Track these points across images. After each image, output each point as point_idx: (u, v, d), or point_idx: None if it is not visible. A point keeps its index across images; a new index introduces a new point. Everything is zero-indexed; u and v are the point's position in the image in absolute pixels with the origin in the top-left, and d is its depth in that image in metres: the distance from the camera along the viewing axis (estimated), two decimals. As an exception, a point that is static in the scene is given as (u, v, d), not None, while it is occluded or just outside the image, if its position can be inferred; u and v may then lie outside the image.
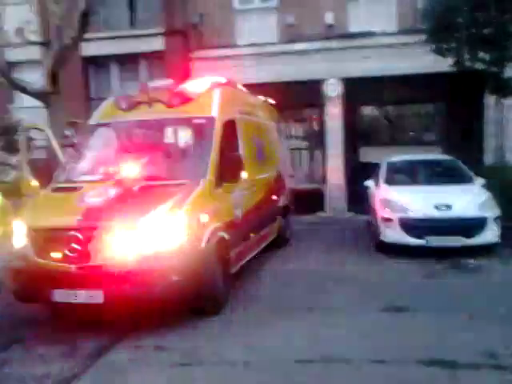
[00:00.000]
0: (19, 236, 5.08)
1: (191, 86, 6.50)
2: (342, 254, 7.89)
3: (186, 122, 6.11)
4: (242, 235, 6.28)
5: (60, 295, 4.73)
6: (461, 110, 12.02)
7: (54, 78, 9.93)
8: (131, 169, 5.56)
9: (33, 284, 4.89)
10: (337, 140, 12.30)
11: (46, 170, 6.10)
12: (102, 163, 5.98)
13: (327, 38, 12.01)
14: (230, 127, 6.41)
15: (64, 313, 5.24)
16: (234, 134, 6.59)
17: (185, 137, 6.13)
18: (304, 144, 13.24)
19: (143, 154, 5.86)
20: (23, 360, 4.38)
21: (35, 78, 11.74)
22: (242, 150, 6.66)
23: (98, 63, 13.78)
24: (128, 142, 6.17)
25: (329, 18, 11.98)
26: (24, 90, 10.54)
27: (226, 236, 5.63)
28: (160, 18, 13.03)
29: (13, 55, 13.57)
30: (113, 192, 5.22)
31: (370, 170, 9.89)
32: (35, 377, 4.03)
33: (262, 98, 8.89)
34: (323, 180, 12.57)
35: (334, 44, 11.98)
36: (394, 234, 7.47)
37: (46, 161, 6.61)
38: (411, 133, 14.43)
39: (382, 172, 8.69)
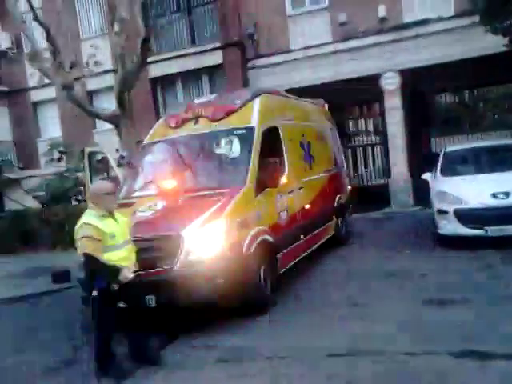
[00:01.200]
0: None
1: (233, 99, 6.85)
2: (401, 249, 7.79)
3: (228, 133, 6.44)
4: (290, 237, 6.49)
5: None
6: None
7: (121, 101, 10.79)
8: (177, 182, 6.01)
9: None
10: (399, 133, 12.06)
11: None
12: (153, 179, 6.49)
13: (381, 32, 11.86)
14: (272, 134, 6.66)
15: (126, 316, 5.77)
16: (277, 141, 6.83)
17: (228, 148, 6.45)
18: (367, 140, 13.13)
19: (190, 168, 6.32)
20: (88, 359, 4.91)
21: (111, 103, 12.83)
22: (286, 155, 6.87)
23: (164, 83, 14.69)
24: (176, 157, 6.63)
25: (381, 11, 11.81)
26: (98, 116, 11.56)
27: (270, 239, 5.89)
28: (218, 32, 13.66)
29: (91, 85, 14.98)
30: (160, 205, 5.70)
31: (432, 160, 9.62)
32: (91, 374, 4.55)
33: (310, 100, 9.03)
34: (388, 175, 12.37)
35: (388, 37, 11.82)
36: (450, 226, 7.27)
37: (108, 181, 7.26)
38: (491, 117, 13.76)
39: (439, 163, 8.44)
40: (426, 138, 13.71)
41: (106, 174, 7.70)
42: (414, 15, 11.63)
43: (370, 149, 13.09)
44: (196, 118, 6.74)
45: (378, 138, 12.86)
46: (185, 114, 6.90)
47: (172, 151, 6.75)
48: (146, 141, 7.19)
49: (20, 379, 4.70)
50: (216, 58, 13.46)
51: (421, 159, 12.20)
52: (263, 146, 6.26)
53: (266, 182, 6.04)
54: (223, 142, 6.48)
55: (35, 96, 17.46)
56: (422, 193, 11.41)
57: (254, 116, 6.48)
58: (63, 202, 13.06)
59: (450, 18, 11.35)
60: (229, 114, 6.58)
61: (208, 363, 4.47)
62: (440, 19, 11.36)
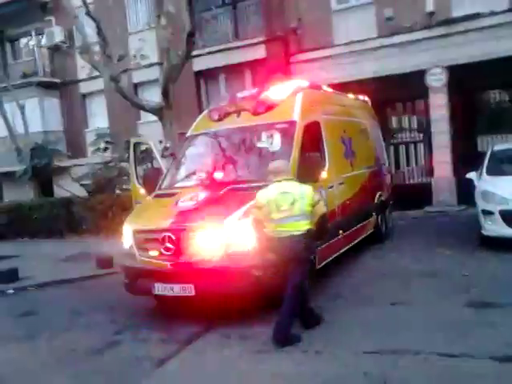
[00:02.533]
0: (127, 237, 5.93)
1: (275, 93, 6.88)
2: (441, 249, 7.65)
3: (270, 127, 6.48)
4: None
5: (159, 288, 5.43)
6: None
7: (166, 94, 11.02)
8: (219, 174, 6.13)
9: (138, 279, 5.69)
10: (443, 131, 11.77)
11: (153, 179, 6.92)
12: (196, 170, 6.64)
13: (428, 27, 11.58)
14: (313, 129, 6.66)
15: (165, 304, 5.95)
16: (318, 136, 6.83)
17: (269, 141, 6.50)
18: (410, 137, 12.88)
19: (231, 160, 6.42)
20: (130, 343, 5.15)
21: (155, 95, 13.12)
22: (327, 150, 6.86)
23: (208, 76, 14.88)
24: (218, 149, 6.74)
25: (429, 5, 11.53)
26: (143, 108, 11.85)
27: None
28: (261, 26, 13.71)
29: (137, 77, 15.35)
30: (202, 196, 5.82)
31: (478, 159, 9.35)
32: (137, 357, 4.74)
33: (352, 96, 8.96)
34: (431, 173, 12.11)
35: (436, 32, 11.53)
36: (495, 228, 7.09)
37: (152, 171, 7.48)
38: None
39: (485, 162, 8.21)
40: (471, 136, 13.32)
41: (149, 164, 7.95)
42: (464, 9, 11.27)
43: (412, 146, 12.83)
44: (238, 112, 6.81)
45: (421, 135, 12.59)
46: (227, 107, 6.99)
47: (214, 144, 6.87)
48: (189, 133, 7.34)
49: (65, 359, 4.91)
50: (259, 52, 13.53)
51: (465, 158, 11.85)
52: (304, 141, 6.27)
53: (306, 176, 6.04)
54: (264, 135, 6.53)
55: (84, 88, 18.09)
56: (465, 192, 11.14)
57: (295, 110, 6.50)
58: (108, 191, 13.50)
59: (503, 12, 10.94)
60: (271, 108, 6.61)
61: (244, 353, 4.56)
62: (492, 13, 10.98)
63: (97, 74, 12.56)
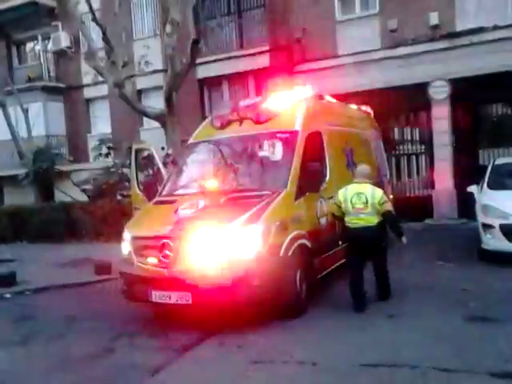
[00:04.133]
0: (126, 243, 5.91)
1: (278, 102, 6.90)
2: (440, 262, 7.63)
3: (272, 136, 6.49)
4: (328, 243, 6.48)
5: (156, 296, 5.41)
6: None
7: (169, 101, 11.05)
8: (219, 182, 6.13)
9: (136, 285, 5.66)
10: (445, 143, 11.78)
11: (153, 186, 6.94)
12: (196, 178, 6.64)
13: (432, 40, 11.62)
14: (315, 139, 6.67)
15: (162, 311, 5.92)
16: (320, 146, 6.83)
17: (271, 150, 6.51)
18: (411, 149, 12.87)
19: (232, 169, 6.42)
20: (126, 350, 5.11)
21: (159, 102, 13.15)
22: (329, 161, 6.86)
23: (211, 84, 14.93)
24: (220, 157, 6.74)
25: (434, 18, 11.58)
26: (146, 114, 11.88)
27: (309, 243, 5.90)
28: (266, 36, 13.77)
29: (140, 84, 15.40)
30: (202, 204, 5.81)
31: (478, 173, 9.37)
32: (133, 364, 4.70)
33: (355, 106, 8.97)
34: (432, 185, 12.09)
35: (439, 45, 11.56)
36: (495, 242, 7.07)
37: (153, 177, 7.50)
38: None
39: (487, 175, 8.20)
40: (473, 149, 13.31)
41: (150, 170, 7.95)
42: (468, 23, 11.32)
43: (414, 158, 12.83)
44: (241, 120, 6.83)
45: (423, 147, 12.60)
46: (230, 115, 7.00)
47: (216, 152, 6.87)
48: (190, 140, 7.35)
49: (61, 365, 4.88)
50: (263, 61, 13.56)
51: (466, 171, 11.85)
52: (306, 151, 6.28)
53: (306, 186, 6.05)
54: (266, 144, 6.55)
55: (88, 93, 18.16)
56: (466, 206, 11.12)
57: (297, 120, 6.52)
58: (108, 197, 13.49)
59: (507, 27, 10.98)
60: (273, 117, 6.64)
61: (240, 363, 4.52)
62: (495, 28, 11.02)
63: (101, 79, 12.62)
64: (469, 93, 11.76)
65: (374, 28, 12.37)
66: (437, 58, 11.46)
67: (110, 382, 4.41)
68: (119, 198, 13.34)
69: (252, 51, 13.65)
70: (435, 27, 11.57)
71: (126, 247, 5.93)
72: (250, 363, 4.48)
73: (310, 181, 6.08)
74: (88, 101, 18.58)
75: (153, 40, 15.77)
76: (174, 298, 5.32)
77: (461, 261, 7.60)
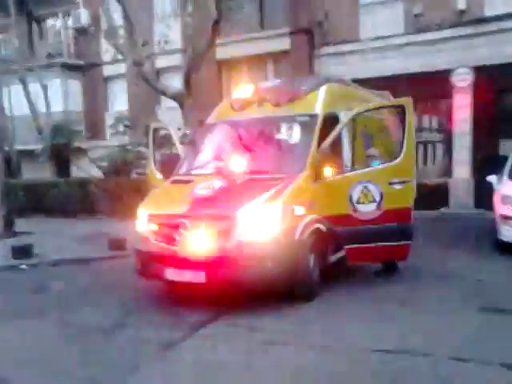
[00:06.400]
0: (141, 221, 5.94)
1: (298, 84, 6.82)
2: (454, 251, 7.54)
3: (291, 119, 6.42)
4: (362, 233, 6.30)
5: (170, 273, 5.46)
6: None
7: (188, 81, 11.02)
8: (236, 163, 6.10)
9: (150, 263, 5.70)
10: (464, 132, 11.60)
11: (170, 165, 6.93)
12: (213, 158, 6.62)
13: (458, 25, 11.36)
14: (334, 123, 6.57)
15: (176, 289, 5.96)
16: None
17: (289, 133, 6.45)
18: (432, 136, 12.68)
19: (250, 150, 6.37)
20: (137, 325, 5.16)
21: (177, 82, 13.12)
22: (348, 146, 6.77)
23: (231, 65, 14.81)
24: (238, 139, 6.67)
25: (461, 2, 11.29)
26: (164, 94, 11.87)
27: (324, 228, 5.85)
28: (287, 18, 13.58)
29: (159, 63, 15.35)
30: (219, 184, 5.80)
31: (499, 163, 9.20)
32: (144, 339, 4.75)
33: (377, 92, 8.81)
34: (449, 174, 11.94)
35: (465, 31, 11.32)
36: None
37: (170, 156, 7.49)
38: None
39: (508, 166, 8.05)
40: (493, 139, 13.08)
41: (167, 149, 7.95)
42: (496, 8, 11.02)
43: (431, 146, 12.66)
44: (260, 102, 6.76)
45: (441, 135, 12.42)
46: (249, 96, 6.93)
47: (234, 133, 6.81)
48: (209, 120, 7.31)
49: (75, 336, 4.96)
50: (284, 44, 13.42)
51: (485, 160, 11.66)
52: (325, 135, 6.20)
53: (324, 170, 5.99)
54: (285, 127, 6.49)
55: (107, 71, 18.19)
56: (483, 195, 10.98)
57: (317, 103, 6.42)
58: (123, 174, 13.57)
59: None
60: (293, 99, 6.54)
61: (251, 343, 4.54)
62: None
63: (120, 57, 12.61)
64: (492, 81, 11.52)
65: (398, 12, 12.15)
66: (461, 45, 11.24)
67: (123, 354, 4.46)
68: (135, 175, 13.40)
69: (272, 33, 13.50)
70: (462, 12, 11.30)
71: (141, 224, 5.95)
72: (262, 344, 4.49)
73: (328, 165, 6.00)
74: (106, 79, 18.61)
75: (173, 19, 15.66)
76: (187, 276, 5.36)
77: (477, 251, 7.53)
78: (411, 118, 6.08)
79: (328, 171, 5.96)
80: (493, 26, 11.08)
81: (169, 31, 14.47)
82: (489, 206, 9.82)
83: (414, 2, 11.78)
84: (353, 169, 6.23)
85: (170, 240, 5.51)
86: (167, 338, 4.70)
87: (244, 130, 6.74)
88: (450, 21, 11.42)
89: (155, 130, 7.75)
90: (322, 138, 6.13)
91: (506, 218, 7.09)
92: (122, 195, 12.44)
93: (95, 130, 18.51)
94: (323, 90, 6.61)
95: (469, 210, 11.23)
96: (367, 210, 5.95)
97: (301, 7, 13.13)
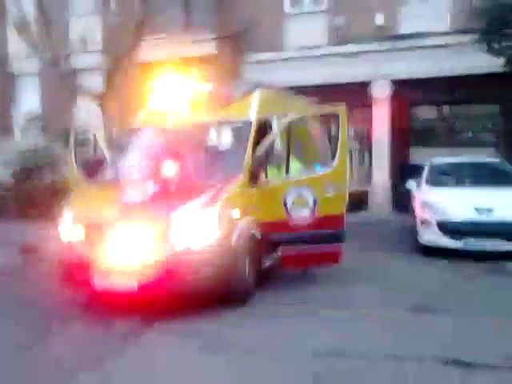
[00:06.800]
0: (66, 227, 5.55)
1: (231, 89, 6.78)
2: (378, 253, 7.82)
3: (225, 124, 6.36)
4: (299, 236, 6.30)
5: (99, 282, 5.13)
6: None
7: (110, 82, 10.56)
8: (168, 168, 5.91)
9: (77, 271, 5.32)
10: (383, 141, 12.23)
11: (94, 169, 6.55)
12: (143, 163, 6.35)
13: (377, 40, 11.97)
14: (267, 129, 6.59)
15: (105, 298, 5.61)
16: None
17: (224, 139, 6.38)
18: (351, 145, 13.20)
19: (182, 155, 6.21)
20: (61, 339, 4.76)
21: (96, 82, 12.51)
22: (283, 152, 6.79)
23: (153, 67, 14.38)
24: (169, 143, 6.49)
25: (379, 19, 11.92)
26: (84, 94, 11.28)
27: (259, 234, 5.82)
28: (213, 23, 13.50)
29: (77, 62, 14.57)
30: (150, 189, 5.58)
31: (419, 171, 9.83)
32: (71, 355, 4.40)
33: (305, 99, 8.99)
34: (368, 181, 12.52)
35: (384, 45, 11.92)
36: (432, 236, 7.42)
37: (95, 160, 7.10)
38: (467, 134, 14.01)
39: (425, 173, 8.59)
40: (405, 147, 13.94)
41: (91, 152, 7.52)
42: (410, 27, 11.77)
43: (353, 153, 13.20)
44: (192, 106, 6.63)
45: (362, 143, 13.00)
46: (180, 100, 6.77)
47: (164, 137, 6.62)
48: (136, 124, 7.04)
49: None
50: (209, 49, 13.30)
51: (400, 169, 12.37)
52: (258, 141, 6.19)
53: (259, 176, 5.97)
54: (219, 132, 6.41)
55: (17, 67, 16.92)
56: (400, 201, 11.64)
57: (252, 109, 6.40)
58: (36, 177, 12.67)
59: (445, 34, 11.53)
60: (226, 104, 6.50)
61: (187, 350, 4.38)
62: (435, 34, 11.54)
63: (32, 52, 11.79)
64: (404, 93, 12.25)
65: (322, 24, 12.54)
66: (380, 58, 11.83)
67: (46, 370, 4.09)
68: (49, 179, 12.56)
69: (198, 37, 13.32)
70: (380, 28, 11.91)
71: (65, 230, 5.56)
72: (198, 351, 4.36)
73: (262, 171, 6.00)
74: (15, 75, 17.32)
75: (93, 17, 14.96)
76: (118, 283, 5.08)
77: (398, 253, 7.89)
78: (346, 126, 6.25)
79: (263, 177, 5.98)
80: (407, 43, 11.80)
81: (87, 29, 13.86)
82: (406, 210, 10.49)
83: (337, 14, 12.23)
84: (288, 175, 6.24)
85: (99, 247, 5.19)
86: (97, 352, 4.39)
87: (175, 134, 6.56)
88: (370, 35, 11.99)
89: (77, 132, 7.31)
90: (255, 143, 6.13)
91: (425, 222, 7.51)
92: (35, 199, 11.62)
93: (5, 130, 17.16)
94: (257, 95, 6.61)
95: (387, 214, 11.81)
96: (301, 215, 6.02)
97: (227, 13, 13.12)
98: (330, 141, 7.77)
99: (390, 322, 4.95)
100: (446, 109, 14.03)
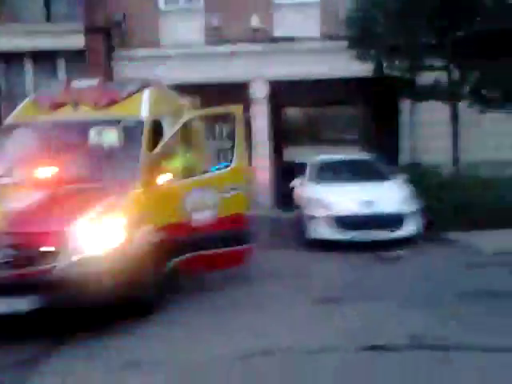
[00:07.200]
0: None
1: (119, 86, 6.38)
2: (268, 250, 7.79)
3: (113, 123, 5.92)
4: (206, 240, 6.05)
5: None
6: (378, 113, 12.75)
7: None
8: (52, 171, 5.37)
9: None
10: (264, 140, 12.57)
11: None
12: (21, 165, 5.69)
13: (253, 41, 12.23)
14: (158, 129, 6.33)
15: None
16: (161, 135, 6.49)
17: (113, 138, 5.94)
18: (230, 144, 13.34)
19: (68, 156, 5.67)
20: None
21: None
22: (180, 152, 6.57)
23: (10, 59, 12.99)
24: (51, 143, 5.87)
25: (254, 21, 12.18)
26: None
27: (161, 239, 5.53)
28: (79, 14, 12.59)
29: None
30: (37, 196, 5.01)
31: (294, 169, 10.30)
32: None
33: (186, 98, 8.83)
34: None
35: (259, 47, 12.25)
36: (320, 231, 7.81)
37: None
38: (336, 133, 15.04)
39: (308, 171, 9.01)
40: (281, 147, 14.53)
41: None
42: (284, 31, 12.24)
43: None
44: (75, 103, 6.08)
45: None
46: (61, 96, 6.18)
47: (45, 136, 5.99)
48: (8, 121, 6.26)
49: None
50: (76, 42, 12.32)
51: (279, 166, 12.85)
52: (151, 139, 5.91)
53: (155, 177, 5.70)
54: (108, 131, 5.95)
55: None
56: (280, 198, 12.10)
57: (143, 107, 6.08)
58: None
59: (315, 40, 12.23)
60: (115, 102, 6.08)
61: (100, 372, 4.00)
62: (307, 39, 12.17)
63: None
64: (277, 95, 12.75)
65: (198, 23, 12.45)
66: (256, 60, 12.11)
67: None
68: None
69: (63, 28, 12.30)
70: (255, 30, 12.19)
71: None
72: (107, 370, 3.99)
73: (158, 172, 5.72)
74: None
75: None
76: (13, 305, 4.46)
77: (291, 248, 8.17)
78: (242, 126, 6.24)
79: (161, 179, 5.71)
80: (281, 46, 12.26)
81: None
82: (287, 207, 10.94)
83: (213, 14, 12.22)
84: (185, 176, 6.04)
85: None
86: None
87: (57, 133, 5.99)
88: (245, 36, 12.20)
89: None
90: (148, 144, 5.83)
91: (312, 217, 7.87)
92: None
93: None
94: (147, 93, 6.30)
95: (269, 211, 12.14)
96: (202, 217, 5.88)
97: (96, 4, 12.29)
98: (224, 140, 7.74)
99: (295, 316, 5.04)
100: (314, 110, 14.90)
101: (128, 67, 12.22)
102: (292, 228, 9.61)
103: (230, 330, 4.75)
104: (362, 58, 9.83)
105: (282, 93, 12.54)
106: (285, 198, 11.30)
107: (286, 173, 11.87)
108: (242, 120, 6.29)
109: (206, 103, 10.97)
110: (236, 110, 6.32)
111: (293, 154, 13.89)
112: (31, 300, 4.41)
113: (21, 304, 4.45)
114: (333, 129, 15.37)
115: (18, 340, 4.58)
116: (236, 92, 12.12)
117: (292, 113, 14.81)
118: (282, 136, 13.65)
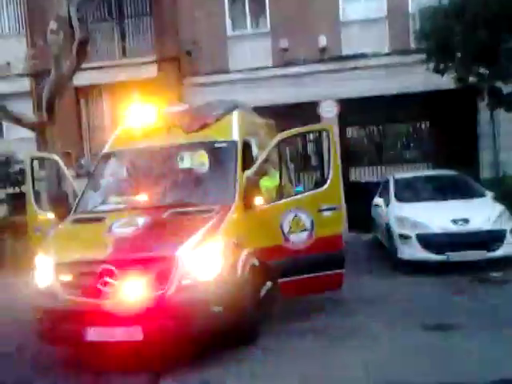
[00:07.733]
0: (45, 272, 4.79)
1: (208, 110, 6.40)
2: (358, 273, 7.47)
3: (207, 146, 5.96)
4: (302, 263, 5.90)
5: (94, 334, 4.46)
6: (453, 126, 12.22)
7: (50, 107, 9.68)
8: (154, 196, 5.40)
9: (62, 324, 4.57)
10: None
11: (63, 201, 5.82)
12: (122, 192, 5.79)
13: (321, 61, 12.16)
14: (248, 149, 6.29)
15: (96, 354, 4.88)
16: (251, 157, 6.46)
17: (207, 161, 5.97)
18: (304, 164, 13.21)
19: (166, 181, 5.72)
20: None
21: (22, 109, 11.46)
22: (274, 173, 6.49)
23: (90, 93, 13.62)
24: (148, 169, 5.97)
25: (322, 41, 12.12)
26: (18, 122, 10.25)
27: (257, 262, 5.41)
28: (152, 46, 13.05)
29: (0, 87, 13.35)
30: (141, 221, 5.01)
31: (362, 189, 10.03)
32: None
33: (263, 119, 8.82)
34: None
35: (327, 66, 12.13)
36: (412, 251, 7.42)
37: (62, 192, 6.32)
38: (403, 150, 14.60)
39: (392, 189, 8.68)
40: (345, 166, 14.23)
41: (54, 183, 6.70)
42: (353, 48, 12.10)
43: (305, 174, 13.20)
44: (168, 128, 6.16)
45: (312, 164, 13.06)
46: (153, 122, 6.27)
47: (142, 162, 6.09)
48: (106, 149, 6.39)
49: None
50: (150, 72, 12.76)
51: (353, 187, 12.51)
52: (243, 161, 5.85)
53: (252, 199, 5.60)
54: (202, 155, 6.00)
55: None
56: (353, 219, 11.70)
57: (234, 129, 6.07)
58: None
59: (384, 55, 12.01)
60: (205, 125, 6.10)
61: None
62: (376, 55, 11.97)
63: None
64: (348, 113, 12.50)
65: (266, 46, 12.51)
66: (325, 79, 11.97)
67: None
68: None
69: (137, 61, 12.76)
70: (323, 49, 12.12)
71: (44, 277, 4.80)
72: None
73: (254, 193, 5.63)
74: None
75: (15, 39, 13.85)
76: (119, 334, 4.44)
77: (380, 272, 7.79)
78: (335, 144, 6.09)
79: (258, 200, 5.61)
80: (349, 64, 12.10)
81: (9, 52, 12.87)
82: (363, 228, 10.61)
83: (280, 36, 12.28)
84: (281, 197, 5.91)
85: (92, 292, 4.52)
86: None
87: (154, 158, 6.06)
88: (313, 56, 12.15)
89: (34, 160, 6.51)
90: (242, 165, 5.77)
91: (404, 237, 7.52)
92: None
93: None
94: (236, 115, 6.30)
95: (345, 234, 11.76)
96: (299, 239, 5.71)
97: (168, 35, 12.69)
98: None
99: (405, 345, 4.75)
100: (380, 128, 14.55)
101: (198, 93, 12.39)
102: (375, 249, 9.26)
103: (327, 359, 4.57)
104: (441, 70, 9.48)
105: (350, 111, 12.32)
106: (356, 219, 10.99)
107: (353, 193, 11.53)
108: (335, 138, 6.11)
109: (276, 125, 11.04)
110: (329, 127, 6.18)
111: (357, 173, 13.60)
112: (140, 329, 4.37)
113: (135, 333, 4.41)
114: (399, 146, 14.97)
115: (120, 373, 4.53)
116: (306, 113, 12.04)
117: (357, 131, 14.53)
118: (347, 155, 13.38)
